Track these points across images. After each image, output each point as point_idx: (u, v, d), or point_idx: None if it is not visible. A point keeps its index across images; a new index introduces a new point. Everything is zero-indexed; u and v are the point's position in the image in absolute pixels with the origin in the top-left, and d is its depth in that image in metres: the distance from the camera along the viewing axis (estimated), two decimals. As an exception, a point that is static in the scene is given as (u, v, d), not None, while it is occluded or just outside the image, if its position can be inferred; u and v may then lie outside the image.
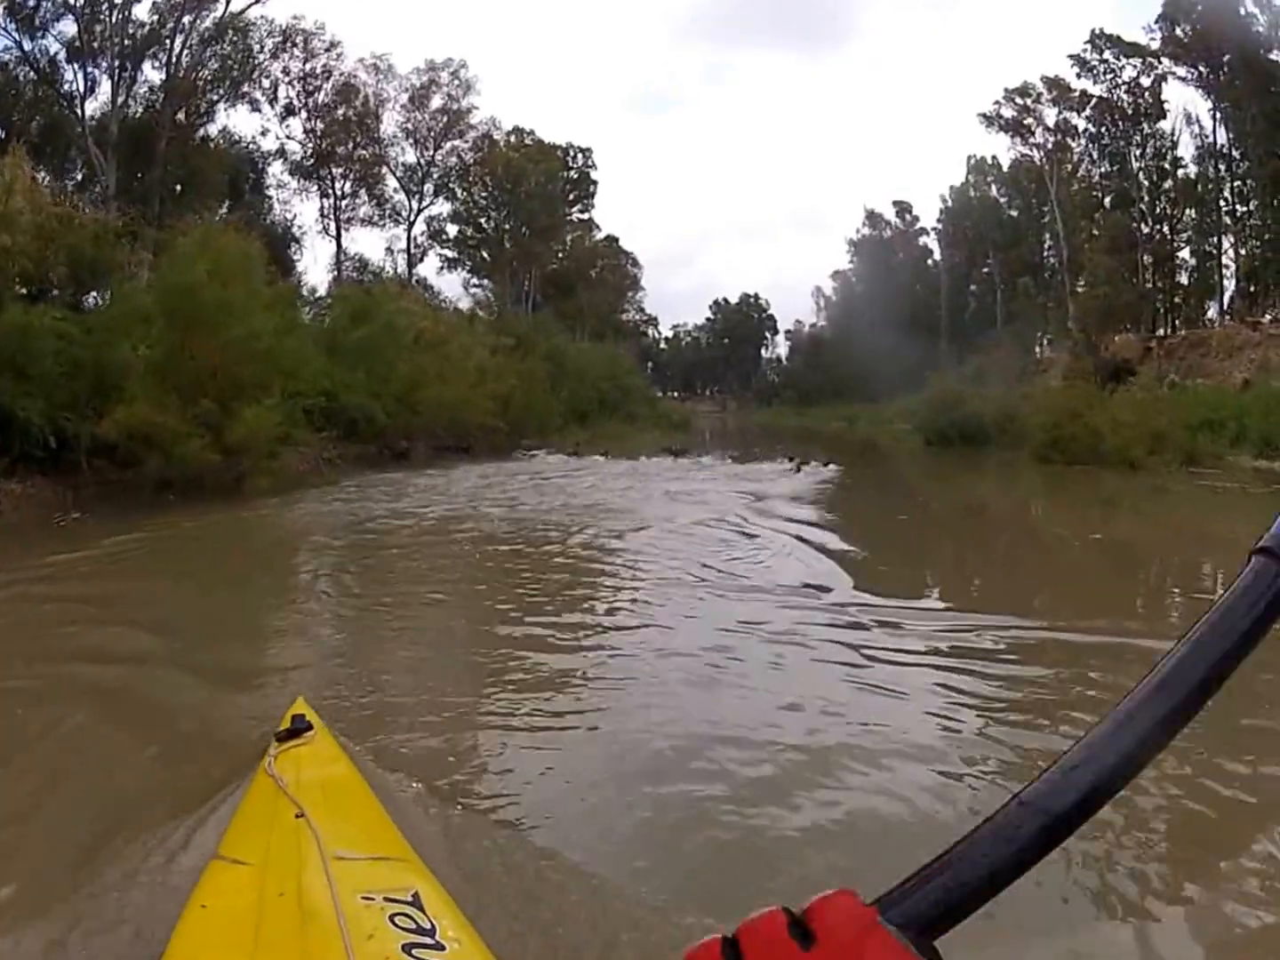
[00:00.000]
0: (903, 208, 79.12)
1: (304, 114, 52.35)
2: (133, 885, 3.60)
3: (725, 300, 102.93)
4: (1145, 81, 53.34)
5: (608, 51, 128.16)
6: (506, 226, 62.54)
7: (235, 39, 47.17)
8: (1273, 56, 45.83)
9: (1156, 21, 50.73)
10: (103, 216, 23.63)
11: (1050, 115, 57.53)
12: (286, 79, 51.17)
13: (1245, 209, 50.86)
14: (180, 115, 44.53)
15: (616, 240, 74.67)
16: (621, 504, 18.07)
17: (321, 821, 2.72)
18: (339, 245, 53.43)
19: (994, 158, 66.36)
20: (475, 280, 61.34)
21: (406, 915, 2.20)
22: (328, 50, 51.96)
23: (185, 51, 44.39)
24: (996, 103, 58.53)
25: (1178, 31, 49.64)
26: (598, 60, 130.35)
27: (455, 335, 33.89)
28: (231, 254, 19.75)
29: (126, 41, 41.96)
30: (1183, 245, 54.55)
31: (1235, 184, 50.78)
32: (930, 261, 77.40)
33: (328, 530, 14.98)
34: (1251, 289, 50.63)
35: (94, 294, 21.30)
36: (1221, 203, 51.24)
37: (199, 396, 17.81)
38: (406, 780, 4.63)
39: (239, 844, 2.87)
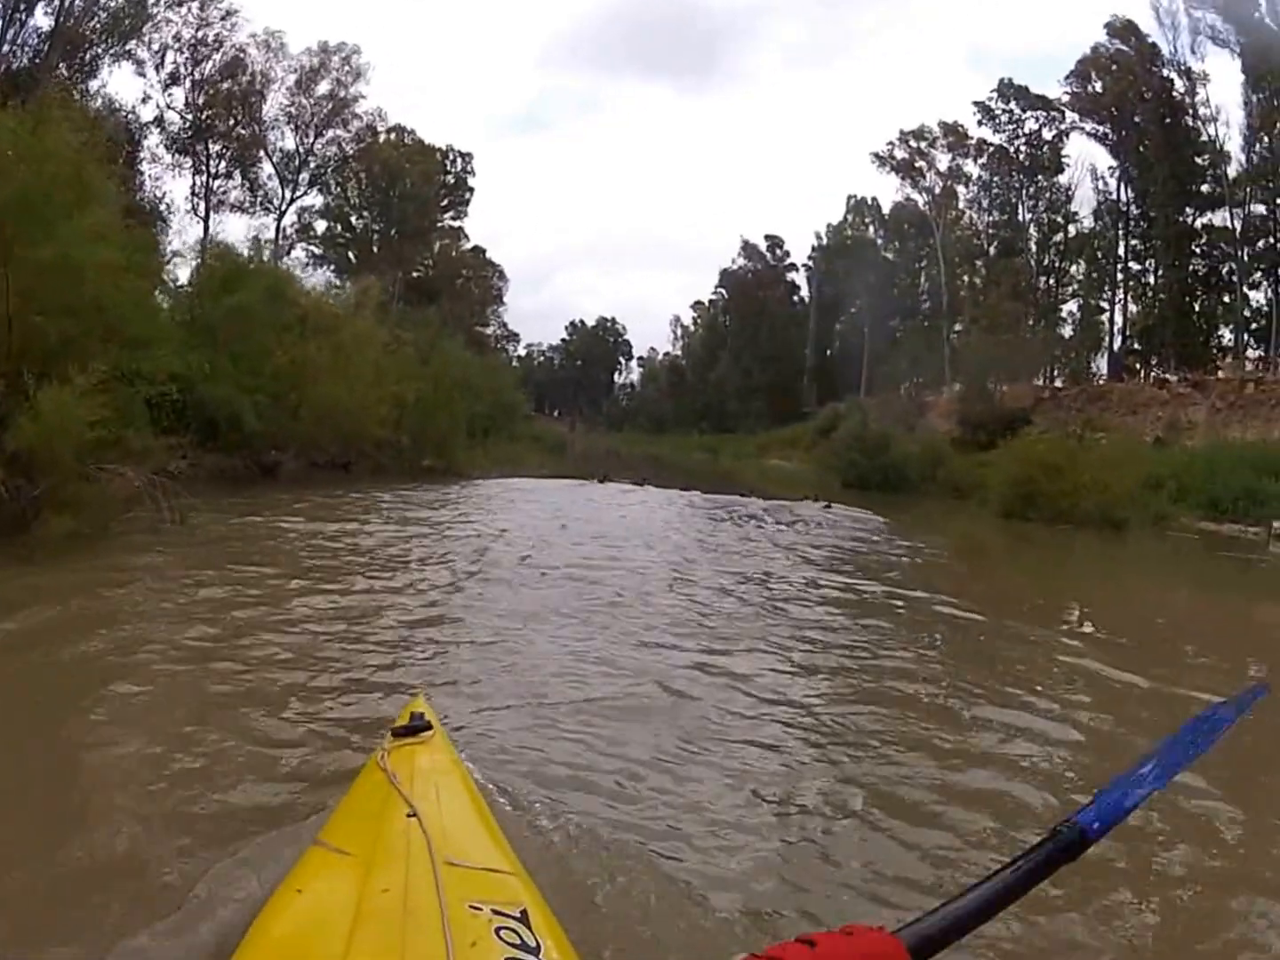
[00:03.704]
0: (774, 242, 73.78)
1: (188, 83, 46.26)
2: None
3: (581, 322, 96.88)
4: (1047, 134, 51.08)
5: (478, 68, 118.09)
6: (376, 227, 57.54)
7: (131, -13, 40.67)
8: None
9: (1067, 77, 48.59)
10: None
11: (943, 160, 54.79)
12: (176, 44, 45.18)
13: (1140, 267, 48.33)
14: (62, 68, 38.52)
15: (484, 251, 68.55)
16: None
17: (433, 824, 2.47)
18: (206, 228, 46.64)
19: (874, 199, 62.85)
20: (337, 281, 53.30)
21: (513, 930, 2.04)
22: (223, 19, 46.15)
23: (79, -4, 37.67)
24: (890, 143, 55.95)
25: (1092, 87, 47.30)
26: (467, 76, 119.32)
27: (347, 321, 25.18)
28: (48, 126, 11.34)
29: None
30: (1068, 298, 52.13)
31: (1132, 242, 48.26)
32: (796, 298, 72.41)
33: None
34: (1136, 346, 48.35)
35: None
36: (1116, 260, 48.78)
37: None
38: (519, 796, 4.10)
39: (343, 833, 2.63)
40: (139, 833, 3.72)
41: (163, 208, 44.61)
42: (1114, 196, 48.23)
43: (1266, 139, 40.77)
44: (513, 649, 6.99)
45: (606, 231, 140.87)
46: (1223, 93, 51.86)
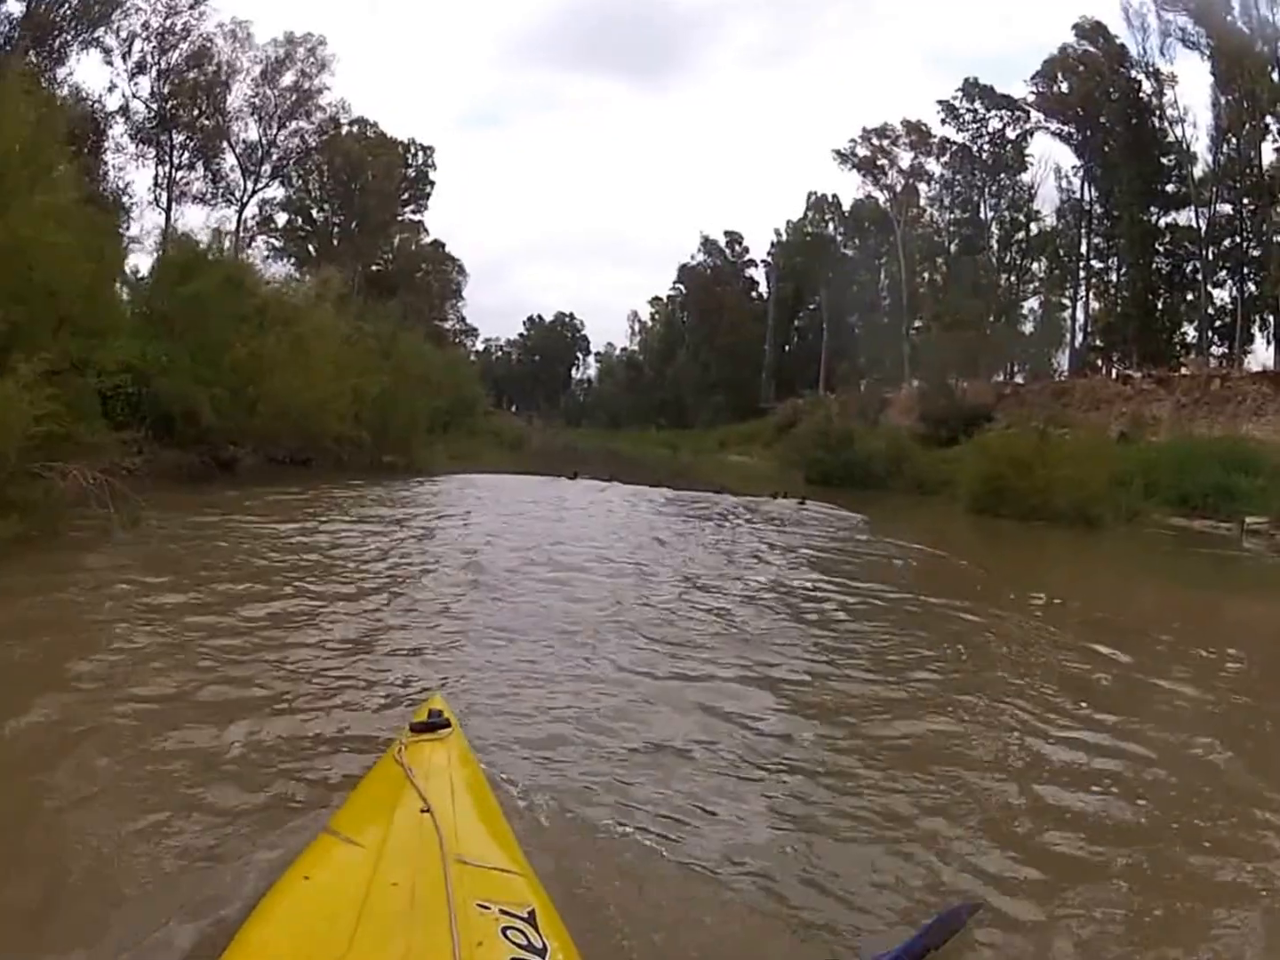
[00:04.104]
0: (733, 238, 73.34)
1: (154, 72, 45.08)
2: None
3: (539, 317, 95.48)
4: (1011, 134, 50.76)
5: (437, 64, 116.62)
6: (337, 220, 56.22)
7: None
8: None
9: (1033, 77, 48.34)
10: None
11: (906, 158, 54.65)
12: (144, 33, 44.08)
13: (1103, 265, 48.25)
14: (31, 55, 36.76)
15: (443, 245, 66.93)
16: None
17: (446, 821, 2.48)
18: (168, 219, 45.38)
19: (834, 195, 62.69)
20: (297, 275, 52.35)
21: (520, 930, 2.03)
22: (191, 7, 44.96)
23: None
24: (852, 140, 55.42)
25: (1058, 88, 47.17)
26: (427, 71, 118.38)
27: (307, 313, 24.11)
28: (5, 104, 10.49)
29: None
30: (1029, 295, 52.00)
31: (1095, 241, 48.13)
32: (755, 294, 72.15)
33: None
34: (1098, 343, 48.46)
35: None
36: (1079, 258, 48.77)
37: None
38: (531, 797, 4.07)
39: (355, 824, 2.63)
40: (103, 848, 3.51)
41: (125, 198, 43.61)
42: (1077, 195, 48.16)
43: (1235, 140, 40.73)
44: (517, 676, 6.20)
45: (565, 228, 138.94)
46: (1191, 94, 52.27)
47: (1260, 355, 40.83)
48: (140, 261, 28.14)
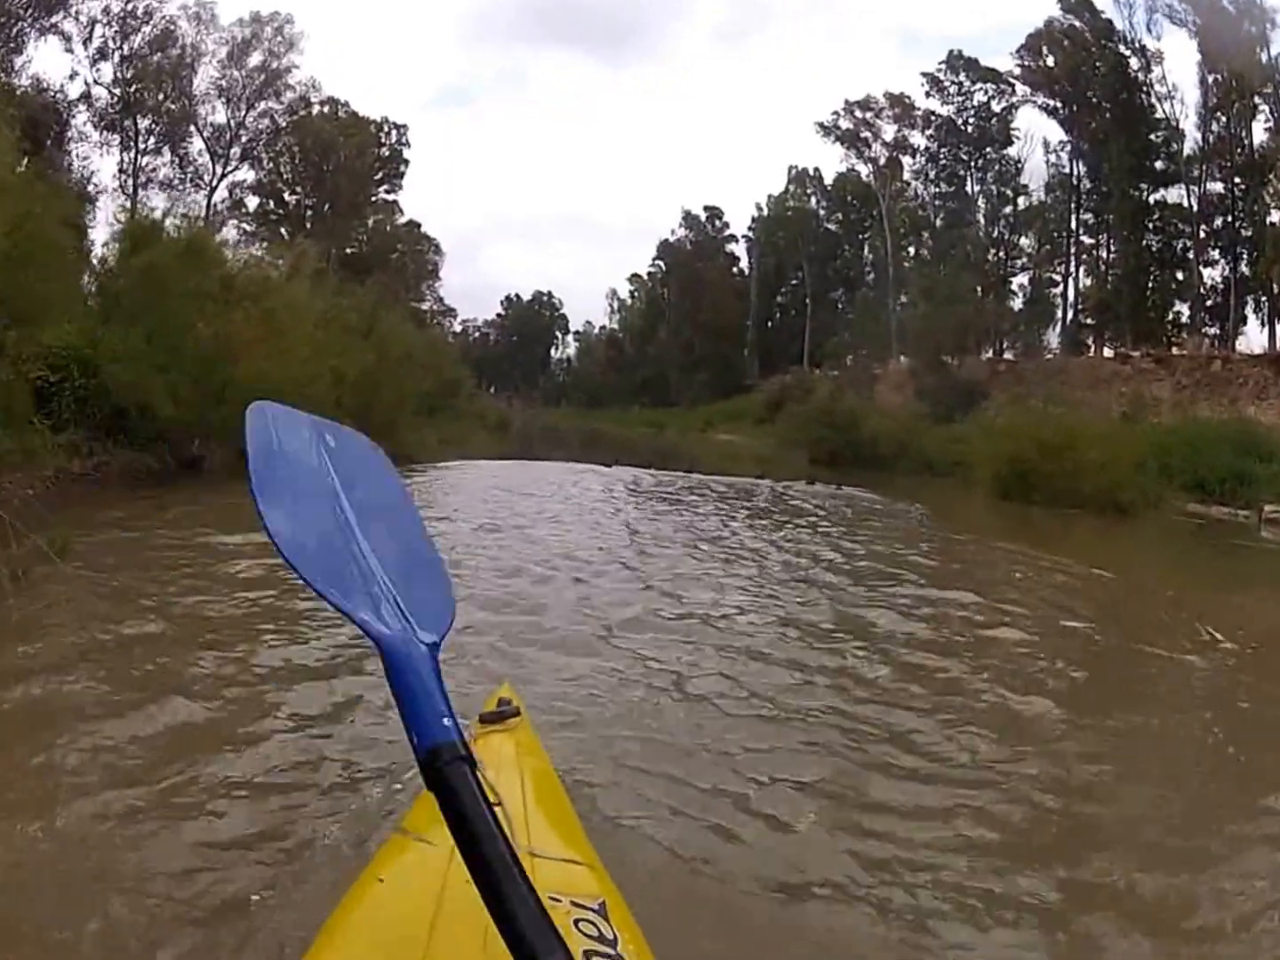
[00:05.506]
0: (713, 213, 72.30)
1: (117, 57, 43.84)
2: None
3: (517, 296, 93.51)
4: (996, 107, 49.66)
5: (406, 43, 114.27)
6: (309, 202, 54.86)
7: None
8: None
9: (1019, 50, 47.17)
10: None
11: (889, 130, 53.45)
12: (105, 18, 42.92)
13: (1093, 241, 46.92)
14: None
15: (419, 225, 64.57)
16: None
17: (517, 814, 2.16)
18: (134, 206, 42.64)
19: (816, 169, 62.05)
20: (269, 259, 50.61)
21: (591, 922, 1.86)
22: None
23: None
24: (835, 113, 54.06)
25: (1044, 62, 46.01)
26: (396, 50, 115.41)
27: (280, 287, 22.05)
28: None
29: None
30: (1017, 271, 50.56)
31: (1084, 216, 46.95)
32: (736, 270, 71.21)
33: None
34: (1089, 321, 47.02)
35: None
36: (1068, 233, 47.71)
37: None
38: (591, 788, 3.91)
39: (426, 823, 2.21)
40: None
41: (90, 188, 41.97)
42: (1066, 170, 47.00)
43: (1224, 118, 39.76)
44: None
45: (541, 206, 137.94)
46: (1179, 70, 51.36)
47: (1254, 336, 39.95)
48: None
